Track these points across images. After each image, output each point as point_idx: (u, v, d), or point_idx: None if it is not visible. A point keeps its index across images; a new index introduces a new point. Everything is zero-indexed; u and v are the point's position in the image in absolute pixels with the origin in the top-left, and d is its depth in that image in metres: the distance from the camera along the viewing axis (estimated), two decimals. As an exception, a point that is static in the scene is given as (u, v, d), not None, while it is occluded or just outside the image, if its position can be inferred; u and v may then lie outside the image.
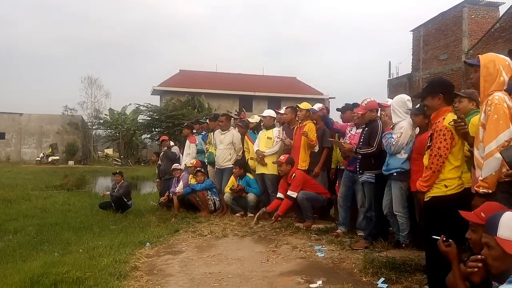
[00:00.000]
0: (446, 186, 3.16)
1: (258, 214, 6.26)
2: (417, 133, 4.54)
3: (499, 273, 1.82)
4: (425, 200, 3.27)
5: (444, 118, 3.17)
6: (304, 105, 6.49)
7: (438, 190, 3.19)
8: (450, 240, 2.39)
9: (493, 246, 1.84)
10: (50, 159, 27.20)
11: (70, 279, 3.98)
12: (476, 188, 2.75)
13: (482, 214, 2.17)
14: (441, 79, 3.88)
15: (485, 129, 2.76)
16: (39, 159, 27.66)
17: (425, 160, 3.30)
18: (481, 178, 2.73)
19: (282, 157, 6.24)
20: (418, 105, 4.41)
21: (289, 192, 5.85)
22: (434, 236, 2.52)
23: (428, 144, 3.27)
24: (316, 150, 6.27)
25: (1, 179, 16.10)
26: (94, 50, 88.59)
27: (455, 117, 3.14)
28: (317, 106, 6.61)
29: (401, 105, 4.52)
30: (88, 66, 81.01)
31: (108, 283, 3.91)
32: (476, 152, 2.90)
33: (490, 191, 2.67)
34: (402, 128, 4.45)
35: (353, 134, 5.46)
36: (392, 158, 4.57)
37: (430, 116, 3.41)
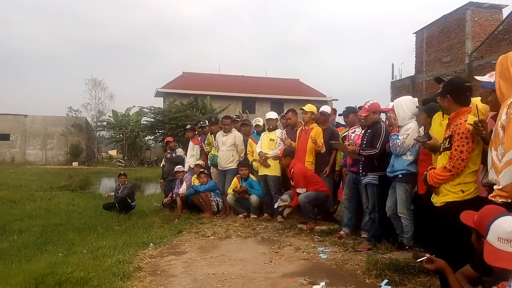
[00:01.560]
0: (463, 191, 2.98)
1: (284, 204, 6.17)
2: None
3: (500, 272, 1.83)
4: (437, 205, 3.09)
5: (465, 120, 2.98)
6: (308, 107, 6.45)
7: (455, 195, 3.00)
8: (432, 256, 2.38)
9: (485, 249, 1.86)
10: None
11: (74, 279, 4.00)
12: (492, 198, 2.48)
13: (475, 217, 2.15)
14: (454, 79, 3.61)
15: (507, 134, 2.48)
16: None
17: (439, 162, 3.16)
18: (499, 187, 2.45)
19: (278, 151, 6.26)
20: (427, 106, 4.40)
21: (298, 190, 6.02)
22: (418, 260, 2.51)
23: (446, 146, 3.08)
24: (323, 151, 6.25)
25: (6, 180, 16.18)
26: (98, 52, 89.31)
27: (476, 118, 2.93)
28: (327, 108, 6.58)
29: (410, 107, 4.50)
30: (92, 67, 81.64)
31: (112, 283, 3.92)
32: (493, 154, 2.64)
33: (510, 201, 2.42)
34: (409, 129, 4.44)
35: (358, 134, 5.47)
36: (397, 159, 4.57)
37: (433, 116, 3.35)
